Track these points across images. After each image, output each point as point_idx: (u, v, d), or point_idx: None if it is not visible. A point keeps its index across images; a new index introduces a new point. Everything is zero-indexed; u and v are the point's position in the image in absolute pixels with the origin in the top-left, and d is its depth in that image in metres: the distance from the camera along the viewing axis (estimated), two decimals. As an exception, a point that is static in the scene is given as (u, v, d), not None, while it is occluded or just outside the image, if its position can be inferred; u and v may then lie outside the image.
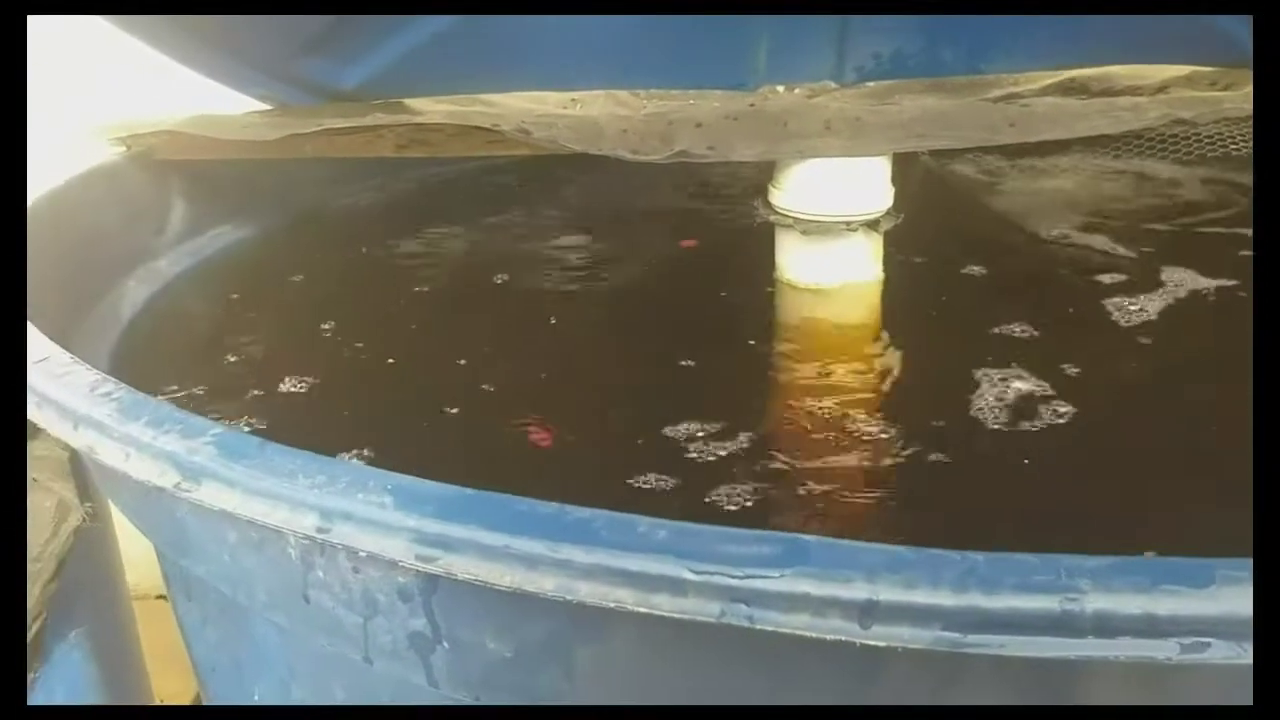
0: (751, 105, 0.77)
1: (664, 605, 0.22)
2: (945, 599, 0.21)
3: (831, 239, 0.64)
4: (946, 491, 0.40)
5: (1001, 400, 0.48)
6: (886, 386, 0.53)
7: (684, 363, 0.55)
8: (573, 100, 0.76)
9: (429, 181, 0.85)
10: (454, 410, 0.47)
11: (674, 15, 0.74)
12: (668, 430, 0.45)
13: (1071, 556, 0.21)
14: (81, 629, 0.66)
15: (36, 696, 0.62)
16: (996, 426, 0.45)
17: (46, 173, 0.62)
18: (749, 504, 0.39)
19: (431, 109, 0.71)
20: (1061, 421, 0.45)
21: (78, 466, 0.65)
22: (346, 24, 0.71)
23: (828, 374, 0.55)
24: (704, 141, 0.64)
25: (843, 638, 0.21)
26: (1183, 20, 0.73)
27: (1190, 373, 0.52)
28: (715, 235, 0.78)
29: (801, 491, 0.40)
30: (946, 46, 0.79)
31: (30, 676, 0.62)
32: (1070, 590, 0.21)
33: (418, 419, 0.46)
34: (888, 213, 0.64)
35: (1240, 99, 0.68)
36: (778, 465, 0.43)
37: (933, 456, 0.42)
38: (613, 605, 0.22)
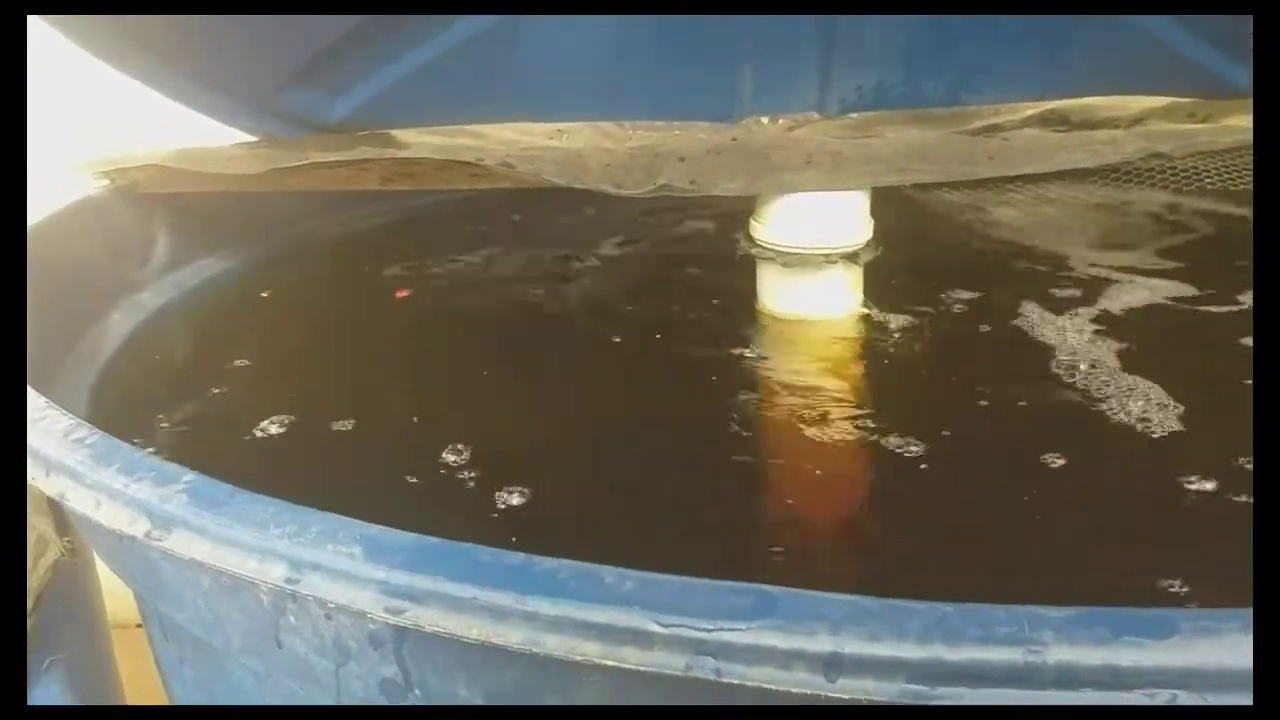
0: (734, 139, 0.77)
1: (630, 658, 0.22)
2: (910, 651, 0.21)
3: (812, 271, 0.65)
4: (925, 524, 0.40)
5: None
6: (871, 411, 0.53)
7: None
8: (559, 131, 0.76)
9: (416, 213, 0.85)
10: (449, 460, 0.46)
11: (659, 44, 0.74)
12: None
13: (1035, 608, 0.21)
14: (61, 662, 0.65)
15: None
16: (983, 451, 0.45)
17: (31, 206, 0.62)
18: (723, 531, 0.39)
19: (417, 142, 0.71)
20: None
21: (56, 502, 0.65)
22: (332, 56, 0.71)
23: (808, 397, 0.55)
24: (687, 176, 0.65)
25: (808, 690, 0.21)
26: (1160, 52, 0.74)
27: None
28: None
29: (774, 520, 0.40)
30: (928, 78, 0.80)
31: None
32: (1033, 642, 0.21)
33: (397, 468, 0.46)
34: (867, 245, 0.65)
35: (1215, 132, 0.69)
36: (758, 498, 0.43)
37: (913, 487, 0.42)
38: (579, 659, 0.22)
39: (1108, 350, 0.58)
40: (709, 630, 0.21)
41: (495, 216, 0.86)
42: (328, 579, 0.25)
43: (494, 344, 0.64)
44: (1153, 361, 0.55)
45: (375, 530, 0.25)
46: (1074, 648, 0.21)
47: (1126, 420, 0.48)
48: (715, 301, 0.69)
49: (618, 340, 0.64)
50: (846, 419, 0.51)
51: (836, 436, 0.49)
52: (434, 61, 0.74)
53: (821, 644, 0.21)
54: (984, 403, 0.51)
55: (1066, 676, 0.21)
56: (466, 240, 0.82)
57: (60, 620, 0.64)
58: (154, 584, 0.34)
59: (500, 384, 0.57)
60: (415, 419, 0.51)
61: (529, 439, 0.48)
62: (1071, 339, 0.60)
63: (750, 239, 0.67)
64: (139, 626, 1.21)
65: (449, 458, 0.44)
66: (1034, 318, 0.63)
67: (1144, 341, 0.58)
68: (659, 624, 0.22)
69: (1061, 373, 0.55)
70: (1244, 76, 0.76)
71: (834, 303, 0.66)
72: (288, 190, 0.69)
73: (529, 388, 0.57)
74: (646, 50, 0.76)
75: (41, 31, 0.61)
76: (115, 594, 0.74)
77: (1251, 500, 0.38)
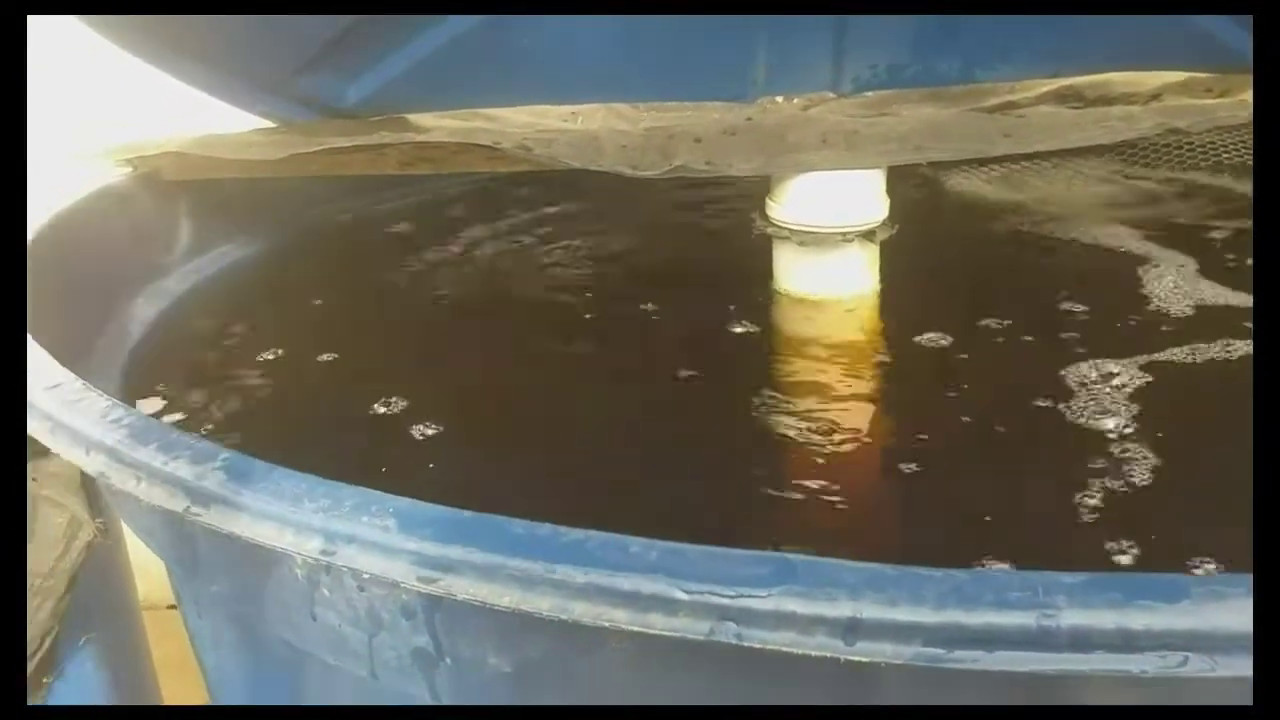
0: (749, 119, 0.77)
1: (657, 624, 0.23)
2: (926, 616, 0.22)
3: (828, 250, 0.65)
4: (938, 503, 0.41)
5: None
6: (886, 393, 0.54)
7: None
8: (573, 114, 0.76)
9: (439, 197, 0.85)
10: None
11: (673, 25, 0.74)
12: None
13: (1049, 573, 0.22)
14: (93, 642, 0.66)
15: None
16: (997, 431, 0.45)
17: (54, 194, 0.63)
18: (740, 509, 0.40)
19: (434, 126, 0.72)
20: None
21: (89, 482, 0.66)
22: (347, 40, 0.71)
23: (825, 381, 0.55)
24: (702, 156, 0.65)
25: (827, 654, 0.22)
26: (1178, 25, 0.74)
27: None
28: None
29: (791, 499, 0.41)
30: (942, 56, 0.79)
31: (41, 692, 0.63)
32: (1047, 606, 0.21)
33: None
34: (883, 223, 0.65)
35: (1234, 106, 0.69)
36: (767, 474, 0.43)
37: (922, 466, 0.43)
38: (607, 624, 0.23)
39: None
40: (731, 596, 0.22)
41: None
42: (362, 551, 0.26)
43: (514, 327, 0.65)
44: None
45: (407, 503, 0.26)
46: (1087, 611, 0.21)
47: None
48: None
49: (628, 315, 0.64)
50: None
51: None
52: (447, 45, 0.74)
53: (841, 609, 0.22)
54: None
55: (1080, 640, 0.21)
56: (484, 220, 0.83)
57: (93, 599, 0.65)
58: (190, 560, 0.36)
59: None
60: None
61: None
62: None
63: (766, 218, 0.67)
64: (170, 608, 1.23)
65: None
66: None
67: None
68: (684, 591, 0.23)
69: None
70: (1260, 48, 0.75)
71: (851, 282, 0.66)
72: (308, 176, 0.70)
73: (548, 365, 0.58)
74: (660, 31, 0.76)
75: (56, 20, 0.61)
76: (145, 575, 0.75)
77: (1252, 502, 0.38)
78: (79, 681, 0.66)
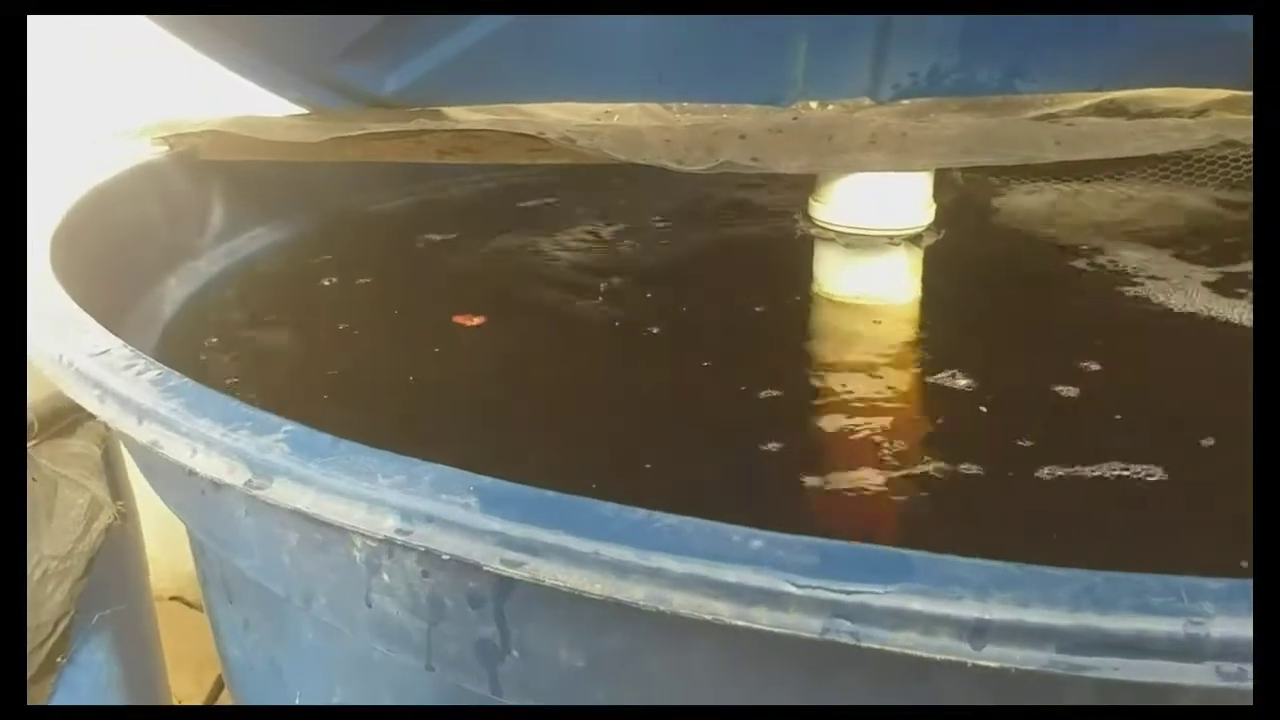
0: (795, 118, 0.76)
1: (763, 619, 0.21)
2: (1060, 618, 0.20)
3: (874, 253, 0.64)
4: (976, 511, 0.39)
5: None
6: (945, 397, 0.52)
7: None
8: (606, 112, 0.75)
9: (473, 186, 0.84)
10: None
11: (712, 26, 0.73)
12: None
13: (1191, 579, 0.21)
14: (106, 626, 0.66)
15: (59, 691, 0.62)
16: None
17: (89, 170, 0.62)
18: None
19: (475, 117, 0.71)
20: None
21: (110, 465, 0.65)
22: (387, 31, 0.70)
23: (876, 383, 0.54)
24: (748, 153, 0.64)
25: (953, 658, 0.20)
26: (1224, 42, 0.72)
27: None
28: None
29: (827, 506, 0.39)
30: (983, 65, 0.79)
31: (52, 678, 0.62)
32: (1194, 614, 0.20)
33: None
34: (929, 228, 0.64)
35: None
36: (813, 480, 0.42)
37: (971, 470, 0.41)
38: (709, 618, 0.22)
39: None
40: (848, 592, 0.21)
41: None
42: (441, 530, 0.24)
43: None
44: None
45: (489, 481, 0.25)
46: (1237, 619, 0.20)
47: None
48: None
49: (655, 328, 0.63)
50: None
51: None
52: (486, 40, 0.73)
53: (967, 609, 0.20)
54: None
55: (1230, 650, 0.20)
56: (519, 214, 0.82)
57: (109, 580, 0.64)
58: (233, 539, 0.34)
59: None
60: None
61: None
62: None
63: (810, 219, 0.66)
64: (172, 599, 1.21)
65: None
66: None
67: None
68: (795, 585, 0.21)
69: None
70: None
71: (895, 286, 0.65)
72: (344, 161, 0.69)
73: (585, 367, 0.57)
74: (698, 31, 0.75)
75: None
76: (148, 565, 0.74)
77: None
78: (91, 665, 0.65)
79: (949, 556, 0.21)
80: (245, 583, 0.40)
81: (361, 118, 0.71)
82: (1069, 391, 0.49)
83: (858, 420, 0.47)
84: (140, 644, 0.71)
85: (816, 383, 0.54)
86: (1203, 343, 0.57)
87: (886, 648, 0.21)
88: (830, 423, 0.47)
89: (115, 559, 0.65)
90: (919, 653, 0.20)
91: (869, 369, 0.55)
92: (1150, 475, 0.39)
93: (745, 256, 0.77)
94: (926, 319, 0.62)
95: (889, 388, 0.52)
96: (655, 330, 0.60)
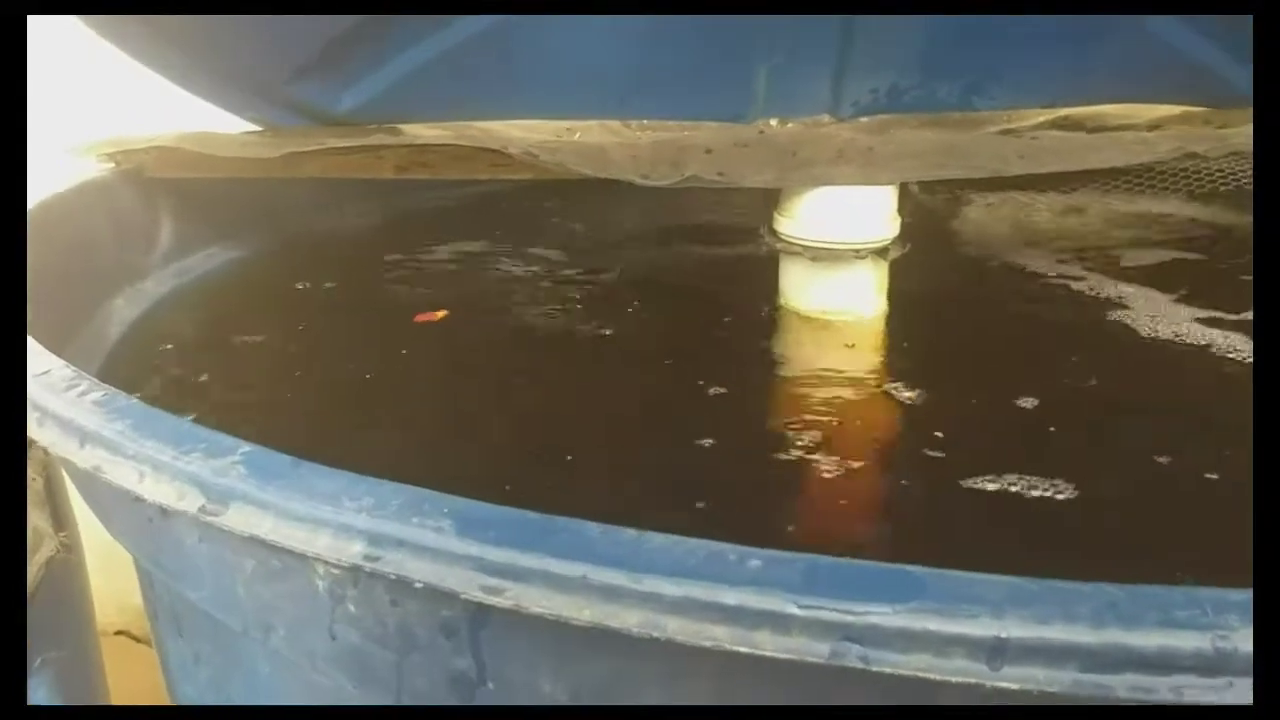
0: (761, 133, 0.76)
1: (765, 644, 0.20)
2: (1083, 635, 0.19)
3: (840, 267, 0.63)
4: (940, 526, 0.38)
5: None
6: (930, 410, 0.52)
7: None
8: (568, 129, 0.74)
9: (430, 203, 0.83)
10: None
11: (674, 43, 0.73)
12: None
13: (1210, 590, 0.19)
14: (49, 662, 0.62)
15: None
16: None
17: (32, 188, 0.59)
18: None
19: (434, 132, 0.69)
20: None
21: (53, 493, 0.62)
22: (343, 46, 0.69)
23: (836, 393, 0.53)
24: (714, 168, 0.63)
25: (969, 680, 0.19)
26: (1177, 59, 0.73)
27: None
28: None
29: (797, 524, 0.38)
30: (942, 81, 0.79)
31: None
32: (1220, 627, 0.19)
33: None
34: (894, 241, 0.63)
35: (1249, 133, 0.68)
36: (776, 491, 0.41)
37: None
38: (709, 644, 0.20)
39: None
40: (856, 613, 0.19)
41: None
42: (413, 556, 0.22)
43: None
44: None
45: (464, 503, 0.23)
46: (1268, 633, 0.19)
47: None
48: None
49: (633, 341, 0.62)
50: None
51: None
52: (441, 57, 0.72)
53: (984, 628, 0.19)
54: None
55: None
56: (477, 227, 0.80)
57: (51, 618, 0.61)
58: (183, 569, 0.32)
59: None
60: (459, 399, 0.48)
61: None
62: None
63: (775, 233, 0.65)
64: (117, 634, 1.17)
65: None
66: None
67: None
68: (798, 606, 0.20)
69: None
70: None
71: (861, 300, 0.64)
72: (299, 178, 0.67)
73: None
74: (658, 49, 0.75)
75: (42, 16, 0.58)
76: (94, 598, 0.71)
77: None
78: (33, 701, 0.61)
79: (961, 572, 0.20)
80: (196, 615, 0.37)
81: (319, 132, 0.69)
82: (1026, 403, 0.49)
83: (794, 424, 0.47)
84: (85, 683, 0.67)
85: (762, 386, 0.54)
86: (1164, 360, 0.57)
87: (898, 671, 0.19)
88: (765, 422, 0.47)
89: (57, 594, 0.62)
90: (932, 675, 0.19)
91: (820, 381, 0.54)
92: (1060, 493, 0.38)
93: (713, 271, 0.76)
94: (890, 333, 0.62)
95: (834, 398, 0.51)
96: (607, 332, 0.60)
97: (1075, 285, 0.69)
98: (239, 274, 0.68)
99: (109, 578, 0.73)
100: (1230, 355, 0.55)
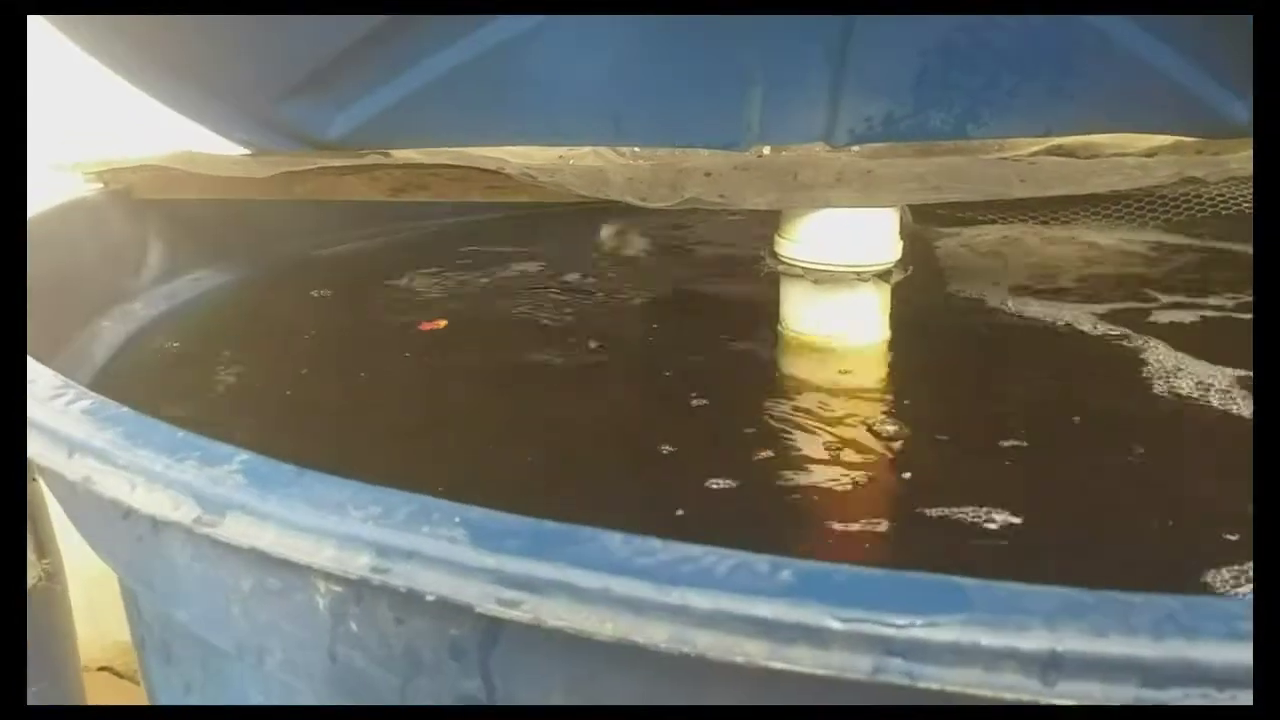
0: (760, 156, 0.75)
1: (804, 660, 0.19)
2: (1143, 649, 0.18)
3: (842, 290, 0.63)
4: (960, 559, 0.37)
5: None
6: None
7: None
8: (561, 157, 0.74)
9: (427, 227, 0.82)
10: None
11: (667, 68, 0.73)
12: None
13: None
14: (33, 698, 0.60)
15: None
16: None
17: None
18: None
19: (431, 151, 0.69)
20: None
21: (35, 518, 0.60)
22: (336, 69, 0.68)
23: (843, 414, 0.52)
24: (714, 190, 0.63)
25: (1022, 696, 0.18)
26: (1171, 91, 0.73)
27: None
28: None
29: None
30: (937, 109, 0.79)
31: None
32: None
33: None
34: (897, 264, 0.63)
35: (1247, 159, 0.68)
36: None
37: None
38: (740, 660, 0.19)
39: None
40: (900, 626, 0.18)
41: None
42: (424, 567, 0.21)
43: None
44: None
45: (477, 512, 0.22)
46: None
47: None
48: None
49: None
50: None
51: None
52: (436, 82, 0.72)
53: (1037, 640, 0.18)
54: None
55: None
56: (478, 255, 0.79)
57: (31, 649, 0.59)
58: (172, 589, 0.30)
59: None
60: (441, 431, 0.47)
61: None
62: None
63: (775, 255, 0.64)
64: (100, 670, 1.14)
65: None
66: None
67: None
68: (837, 619, 0.18)
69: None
70: (1246, 114, 0.76)
71: (863, 324, 0.63)
72: (293, 201, 0.66)
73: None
74: (653, 76, 0.74)
75: (36, 36, 0.57)
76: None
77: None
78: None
79: (1008, 583, 0.19)
80: (187, 639, 0.36)
81: (310, 155, 0.68)
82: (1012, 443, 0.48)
83: (774, 446, 0.46)
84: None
85: (745, 401, 0.53)
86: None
87: (945, 688, 0.18)
88: (737, 436, 0.46)
89: (38, 623, 0.60)
90: (982, 692, 0.18)
91: (809, 411, 0.53)
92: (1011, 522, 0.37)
93: (715, 295, 0.75)
94: (892, 359, 0.61)
95: (821, 428, 0.50)
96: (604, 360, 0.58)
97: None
98: (228, 299, 0.66)
99: (92, 610, 0.71)
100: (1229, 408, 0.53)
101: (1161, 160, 0.69)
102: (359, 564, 0.22)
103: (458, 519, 0.21)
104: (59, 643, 0.64)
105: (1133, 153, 0.73)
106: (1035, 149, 0.77)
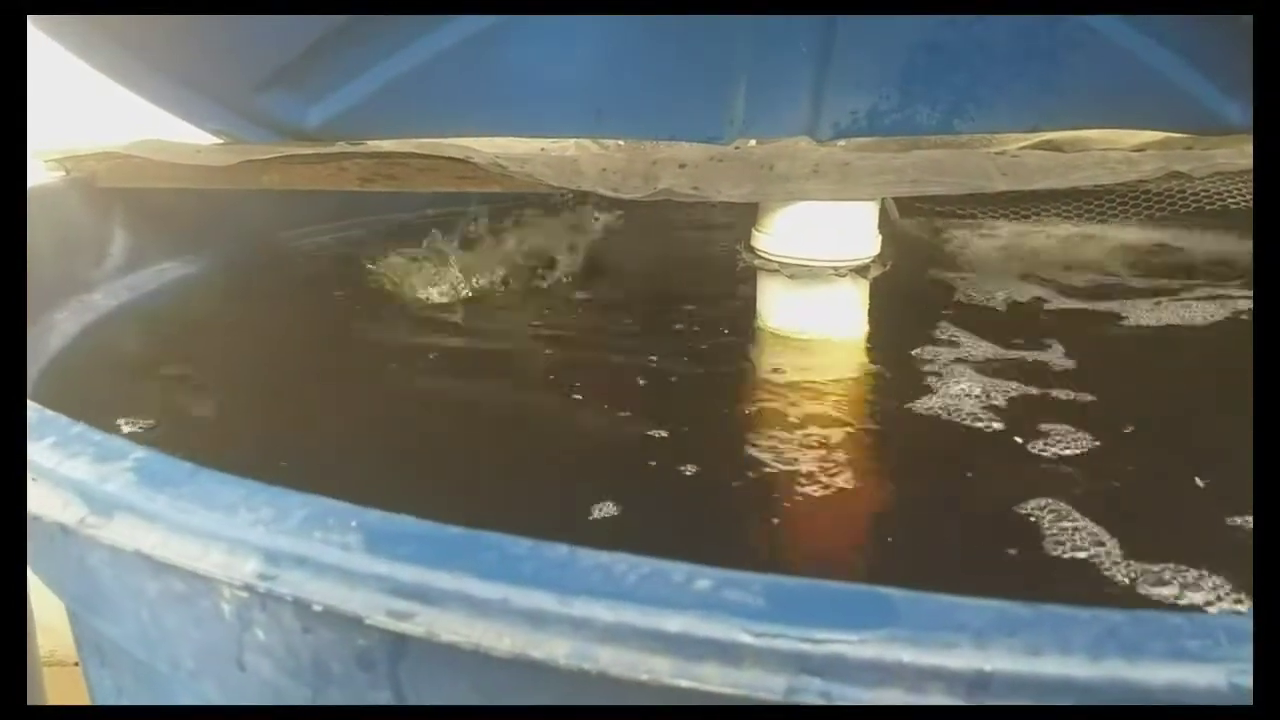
0: (736, 147, 0.74)
1: (712, 678, 0.17)
2: (1079, 668, 0.16)
3: (819, 285, 0.61)
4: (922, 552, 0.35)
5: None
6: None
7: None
8: (542, 149, 0.73)
9: (393, 219, 0.80)
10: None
11: (652, 62, 0.71)
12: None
13: (1224, 618, 0.17)
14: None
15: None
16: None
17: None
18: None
19: (399, 140, 0.67)
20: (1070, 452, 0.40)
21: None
22: (312, 59, 0.67)
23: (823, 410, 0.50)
24: (688, 182, 0.61)
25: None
26: (1161, 88, 0.72)
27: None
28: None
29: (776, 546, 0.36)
30: (923, 104, 0.78)
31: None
32: (1234, 659, 0.16)
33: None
34: (875, 259, 0.61)
35: (1233, 154, 0.67)
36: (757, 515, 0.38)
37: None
38: (645, 677, 0.17)
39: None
40: (817, 641, 0.17)
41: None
42: (313, 575, 0.19)
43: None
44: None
45: (375, 516, 0.20)
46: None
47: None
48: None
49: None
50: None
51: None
52: (411, 73, 0.70)
53: (964, 659, 0.16)
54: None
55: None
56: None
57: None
58: (90, 594, 0.29)
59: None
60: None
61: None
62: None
63: (752, 250, 0.63)
64: (77, 665, 1.13)
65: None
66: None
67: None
68: (749, 633, 0.17)
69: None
70: (1236, 111, 0.74)
71: (841, 320, 0.62)
72: (261, 190, 0.65)
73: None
74: (635, 69, 0.73)
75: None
76: (50, 629, 0.67)
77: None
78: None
79: (938, 595, 0.17)
80: (114, 644, 0.34)
81: (276, 146, 0.67)
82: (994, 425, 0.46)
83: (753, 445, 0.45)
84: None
85: (722, 413, 0.51)
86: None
87: (862, 705, 0.16)
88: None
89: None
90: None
91: (779, 410, 0.52)
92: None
93: (692, 288, 0.74)
94: (869, 356, 0.59)
95: (792, 425, 0.48)
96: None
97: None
98: (191, 291, 0.65)
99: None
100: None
101: (1146, 155, 0.68)
102: (246, 570, 0.20)
103: (354, 523, 0.20)
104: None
105: (1121, 149, 0.71)
106: (1023, 144, 0.75)
